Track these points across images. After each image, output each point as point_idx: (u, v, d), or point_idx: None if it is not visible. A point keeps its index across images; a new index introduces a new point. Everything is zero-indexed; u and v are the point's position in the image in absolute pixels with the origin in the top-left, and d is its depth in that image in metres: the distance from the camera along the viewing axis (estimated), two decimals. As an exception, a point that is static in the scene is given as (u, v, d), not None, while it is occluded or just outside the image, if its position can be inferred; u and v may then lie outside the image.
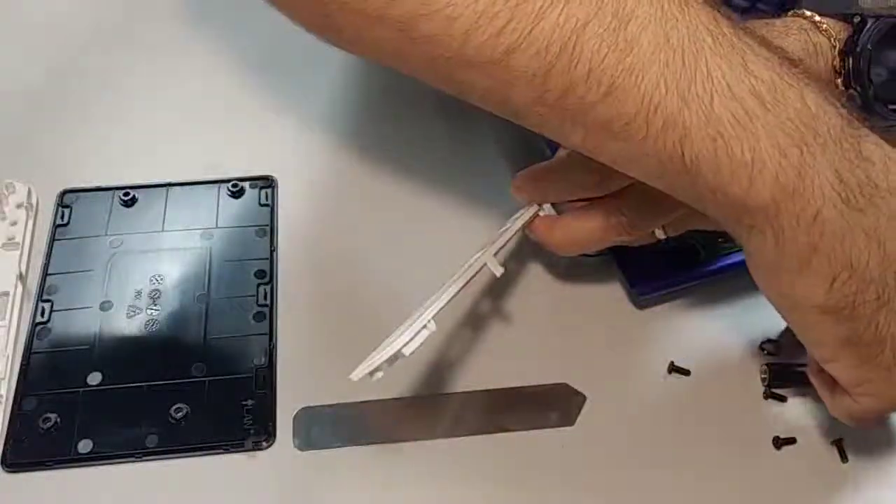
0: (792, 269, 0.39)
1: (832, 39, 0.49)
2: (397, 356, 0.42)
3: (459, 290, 0.44)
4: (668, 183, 0.39)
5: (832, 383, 0.43)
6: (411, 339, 0.42)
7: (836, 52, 0.49)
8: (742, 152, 0.37)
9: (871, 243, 0.39)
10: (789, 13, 0.51)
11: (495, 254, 0.46)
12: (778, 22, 0.50)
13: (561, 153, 0.49)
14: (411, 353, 0.42)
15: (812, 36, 0.49)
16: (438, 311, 0.43)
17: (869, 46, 0.48)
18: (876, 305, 0.39)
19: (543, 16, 0.37)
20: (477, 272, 0.45)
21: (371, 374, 0.41)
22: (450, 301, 0.44)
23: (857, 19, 0.49)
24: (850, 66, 0.48)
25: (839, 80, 0.49)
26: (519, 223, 0.48)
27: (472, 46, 0.38)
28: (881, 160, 0.40)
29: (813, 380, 0.45)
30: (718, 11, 0.39)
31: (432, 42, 0.38)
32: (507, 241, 0.47)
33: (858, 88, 0.49)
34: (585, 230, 0.47)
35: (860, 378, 0.41)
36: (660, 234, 0.47)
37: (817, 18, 0.50)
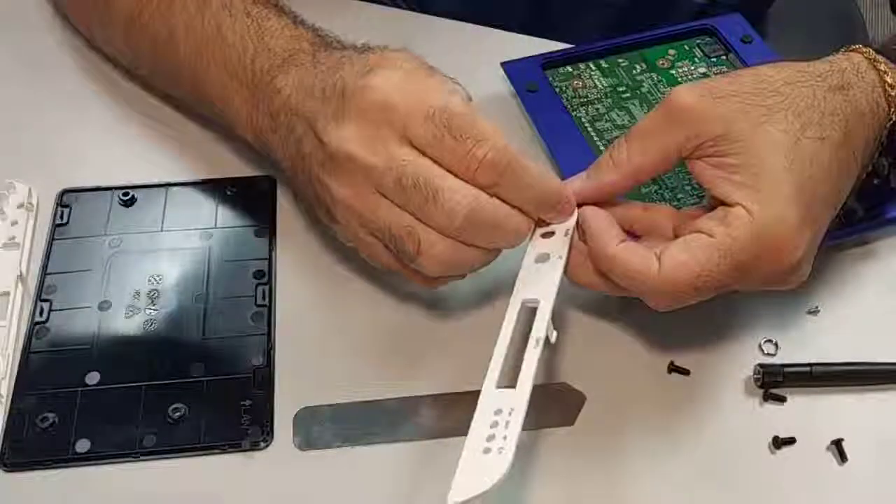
0: None
1: (890, 100, 0.47)
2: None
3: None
4: None
5: None
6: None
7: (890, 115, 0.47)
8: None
9: None
10: (852, 48, 0.48)
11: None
12: (848, 68, 0.46)
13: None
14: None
15: (875, 95, 0.46)
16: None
17: None
18: None
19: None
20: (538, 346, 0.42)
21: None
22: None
23: None
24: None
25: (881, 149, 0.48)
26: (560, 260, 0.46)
27: None
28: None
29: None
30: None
31: None
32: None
33: (890, 158, 0.48)
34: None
35: None
36: None
37: (882, 67, 0.47)
